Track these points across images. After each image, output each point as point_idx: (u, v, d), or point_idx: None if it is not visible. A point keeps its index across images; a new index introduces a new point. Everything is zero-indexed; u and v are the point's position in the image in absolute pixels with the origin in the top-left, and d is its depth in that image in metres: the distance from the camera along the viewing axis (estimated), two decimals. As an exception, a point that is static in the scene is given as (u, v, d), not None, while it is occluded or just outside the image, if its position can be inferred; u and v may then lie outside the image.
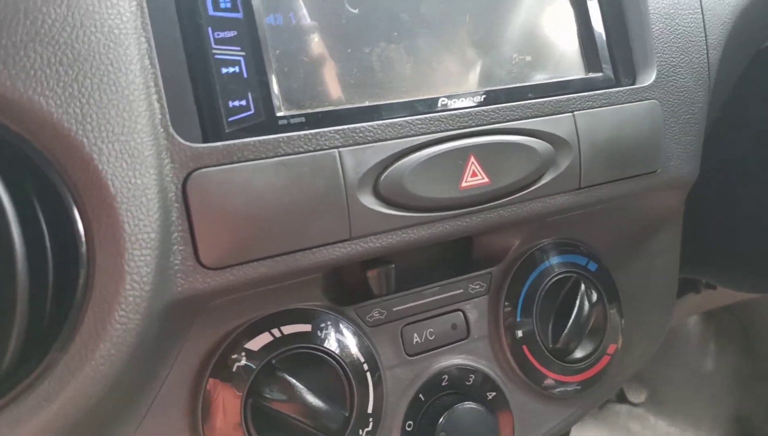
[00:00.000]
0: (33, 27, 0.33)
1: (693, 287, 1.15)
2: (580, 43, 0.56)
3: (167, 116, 0.38)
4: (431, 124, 0.47)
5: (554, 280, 0.58)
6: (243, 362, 0.45)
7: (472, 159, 0.48)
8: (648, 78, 0.56)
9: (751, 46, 0.72)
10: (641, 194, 0.59)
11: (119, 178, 0.35)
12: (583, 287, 0.58)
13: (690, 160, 0.60)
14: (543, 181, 0.51)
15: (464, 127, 0.48)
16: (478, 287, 0.57)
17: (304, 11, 0.45)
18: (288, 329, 0.47)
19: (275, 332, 0.47)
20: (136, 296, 0.35)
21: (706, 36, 0.60)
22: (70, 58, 0.34)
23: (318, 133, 0.43)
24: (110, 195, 0.35)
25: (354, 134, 0.44)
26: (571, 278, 0.58)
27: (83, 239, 0.35)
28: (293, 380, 0.45)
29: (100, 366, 0.35)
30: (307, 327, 0.48)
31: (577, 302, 0.57)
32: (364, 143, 0.44)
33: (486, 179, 0.48)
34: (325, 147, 0.43)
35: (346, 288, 0.52)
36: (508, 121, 0.50)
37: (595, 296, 0.59)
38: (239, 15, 0.42)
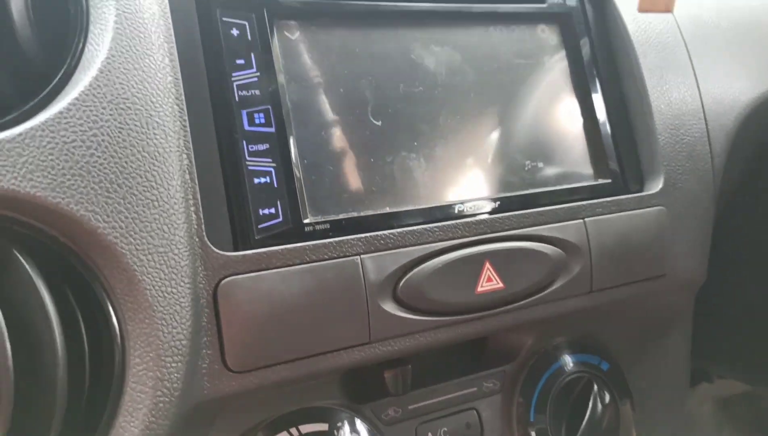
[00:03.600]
0: (89, 150, 0.35)
1: (706, 377, 1.14)
2: (589, 151, 0.59)
3: (203, 227, 0.41)
4: (448, 230, 0.49)
5: (567, 379, 0.59)
6: (260, 461, 0.46)
7: (488, 265, 0.50)
8: (655, 185, 0.59)
9: (754, 142, 0.74)
10: (650, 295, 0.60)
11: (157, 288, 0.37)
12: (596, 387, 0.59)
13: (697, 264, 0.62)
14: (555, 286, 0.53)
15: (480, 234, 0.50)
16: (492, 384, 0.58)
17: (332, 124, 0.49)
18: (305, 429, 0.48)
19: (293, 431, 0.47)
20: (166, 402, 0.37)
21: (710, 144, 0.63)
22: (119, 176, 0.36)
23: (341, 240, 0.45)
24: (147, 304, 0.37)
25: (375, 241, 0.46)
26: (584, 378, 0.59)
27: (120, 346, 0.36)
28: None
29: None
30: (323, 426, 0.49)
31: (590, 404, 0.58)
32: (385, 250, 0.46)
33: (501, 284, 0.50)
34: (348, 254, 0.45)
35: (363, 385, 0.53)
36: (521, 227, 0.52)
37: (607, 397, 0.60)
38: (272, 129, 0.46)
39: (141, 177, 0.38)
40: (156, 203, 0.38)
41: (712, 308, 0.77)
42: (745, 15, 0.70)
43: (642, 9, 0.35)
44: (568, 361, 0.60)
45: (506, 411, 0.58)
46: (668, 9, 0.34)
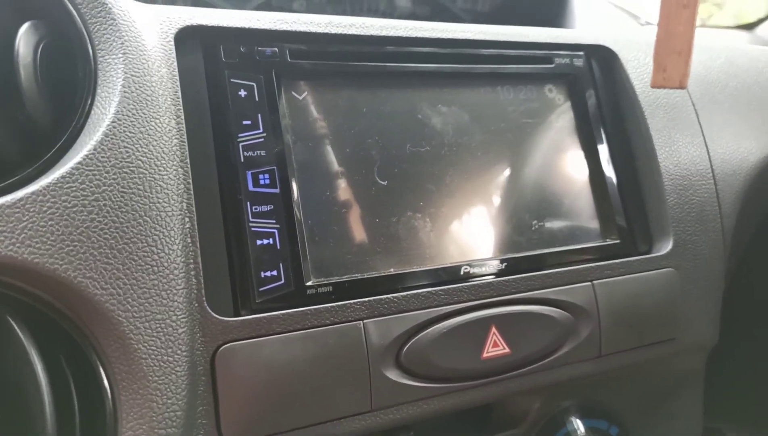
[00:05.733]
0: (89, 215, 0.35)
1: (717, 432, 1.12)
2: (597, 210, 0.58)
3: (203, 291, 0.40)
4: (454, 294, 0.48)
5: (575, 445, 0.57)
6: None
7: (494, 329, 0.49)
8: (665, 247, 0.58)
9: (763, 202, 0.73)
10: (661, 359, 0.59)
11: (152, 356, 0.36)
12: (604, 454, 0.57)
13: (708, 327, 0.60)
14: (563, 351, 0.51)
15: (486, 298, 0.49)
16: (497, 450, 0.56)
17: (337, 184, 0.48)
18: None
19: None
20: (157, 476, 0.35)
21: (720, 205, 0.62)
22: (119, 242, 0.36)
23: (344, 305, 0.44)
24: (142, 374, 0.35)
25: (379, 305, 0.45)
26: (592, 445, 0.57)
27: (112, 416, 0.35)
28: None
29: None
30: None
31: (599, 472, 0.56)
32: (389, 314, 0.45)
33: (507, 350, 0.49)
34: (351, 318, 0.44)
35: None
36: (528, 290, 0.51)
37: (616, 464, 0.58)
38: (276, 190, 0.45)
39: (142, 242, 0.37)
40: (156, 269, 0.37)
41: (724, 368, 0.75)
42: (752, 76, 0.70)
43: (655, 85, 0.34)
44: (575, 426, 0.58)
45: (512, 479, 0.56)
46: (682, 85, 0.34)
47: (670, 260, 0.58)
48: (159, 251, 0.38)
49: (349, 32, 0.50)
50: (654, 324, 0.56)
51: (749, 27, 1.14)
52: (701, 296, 0.60)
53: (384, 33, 0.52)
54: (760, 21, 1.11)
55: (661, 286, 0.57)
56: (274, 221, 0.45)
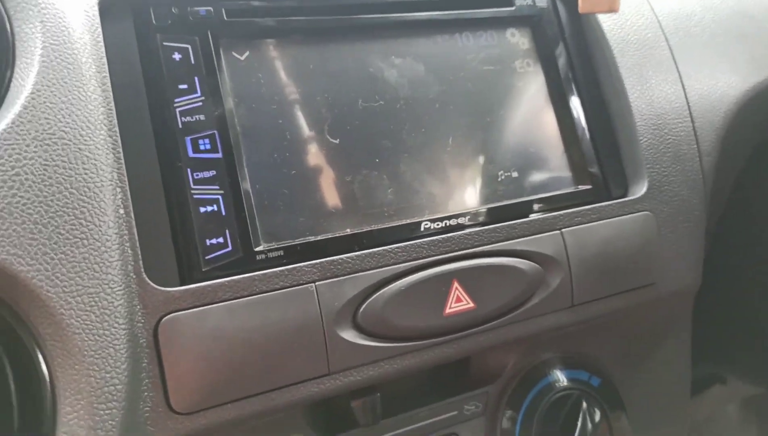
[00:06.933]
0: (10, 190, 0.34)
1: (719, 378, 1.11)
2: (567, 157, 0.56)
3: (140, 263, 0.39)
4: (411, 251, 0.47)
5: (554, 398, 0.56)
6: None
7: (456, 284, 0.47)
8: (639, 190, 0.56)
9: (748, 138, 0.70)
10: (641, 305, 0.57)
11: (87, 331, 0.35)
12: (585, 405, 0.56)
13: (690, 270, 0.58)
14: (532, 302, 0.50)
15: (446, 252, 0.48)
16: (473, 407, 0.55)
17: (286, 145, 0.47)
18: (269, 466, 0.46)
19: (255, 470, 0.45)
20: (101, 450, 0.35)
21: (698, 143, 0.59)
22: (44, 216, 0.35)
23: (294, 268, 0.43)
24: (77, 349, 0.35)
25: (332, 266, 0.44)
26: (573, 396, 0.56)
27: (50, 394, 0.35)
28: None
29: None
30: (288, 463, 0.46)
31: (579, 423, 0.55)
32: (342, 275, 0.44)
33: (471, 304, 0.47)
34: (301, 282, 0.43)
35: (330, 417, 0.50)
36: (492, 242, 0.49)
37: (598, 414, 0.56)
38: (219, 155, 0.44)
39: (68, 215, 0.36)
40: (86, 242, 0.36)
41: (716, 311, 0.73)
42: (729, 6, 0.67)
43: (584, 10, 0.32)
44: (554, 378, 0.57)
45: (490, 435, 0.55)
46: (612, 9, 0.31)
47: (646, 202, 0.56)
48: (88, 223, 0.36)
49: (289, -15, 0.48)
50: (630, 270, 0.54)
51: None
52: (681, 238, 0.57)
53: (327, -16, 0.49)
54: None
55: (636, 230, 0.55)
56: (217, 187, 0.43)
